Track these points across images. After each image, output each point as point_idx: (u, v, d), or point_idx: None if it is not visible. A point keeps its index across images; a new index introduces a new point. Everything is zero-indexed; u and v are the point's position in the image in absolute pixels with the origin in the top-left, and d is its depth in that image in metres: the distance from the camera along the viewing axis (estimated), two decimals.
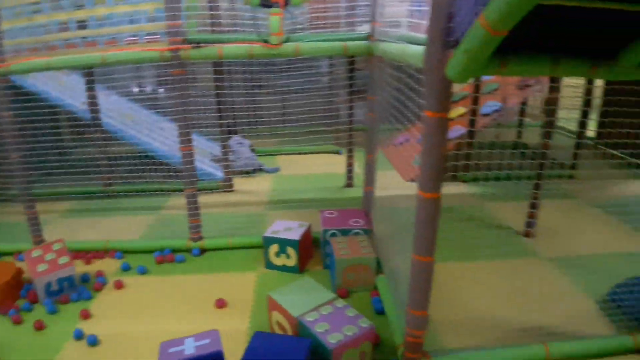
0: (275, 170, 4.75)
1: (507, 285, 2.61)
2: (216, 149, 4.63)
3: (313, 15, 3.69)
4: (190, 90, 2.87)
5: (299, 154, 5.19)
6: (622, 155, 4.43)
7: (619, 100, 3.45)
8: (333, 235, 2.76)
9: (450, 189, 4.07)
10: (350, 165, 4.15)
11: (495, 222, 3.46)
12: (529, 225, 3.17)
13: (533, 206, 3.12)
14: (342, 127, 4.18)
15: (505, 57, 1.28)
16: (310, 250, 2.91)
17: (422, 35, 1.65)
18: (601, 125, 5.11)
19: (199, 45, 2.71)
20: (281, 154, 5.28)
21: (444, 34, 1.36)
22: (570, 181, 4.29)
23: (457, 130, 4.00)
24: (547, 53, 1.30)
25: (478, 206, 3.75)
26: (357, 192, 3.89)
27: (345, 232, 2.77)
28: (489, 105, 4.08)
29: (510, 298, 2.49)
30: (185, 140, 2.87)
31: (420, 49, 1.55)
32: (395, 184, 3.48)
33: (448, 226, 3.31)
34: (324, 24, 3.60)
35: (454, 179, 4.16)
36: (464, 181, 4.18)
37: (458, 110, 4.23)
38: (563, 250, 3.01)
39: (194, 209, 3.02)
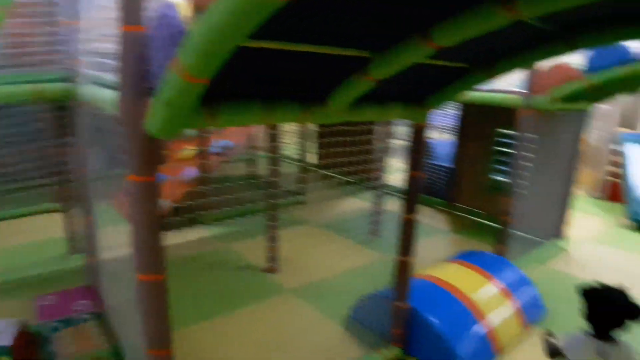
0: None
1: (265, 331, 2.48)
2: None
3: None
4: None
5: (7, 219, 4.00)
6: (339, 175, 5.00)
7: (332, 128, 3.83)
8: (55, 330, 2.11)
9: (190, 235, 3.82)
10: (71, 228, 3.34)
11: (241, 263, 3.34)
12: (272, 260, 3.15)
13: (272, 239, 3.12)
14: (60, 182, 3.37)
15: (215, 107, 1.09)
16: (31, 352, 2.15)
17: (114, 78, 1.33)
18: (321, 151, 5.71)
19: None
20: None
21: (138, 79, 1.08)
22: (300, 207, 4.58)
23: (189, 173, 3.77)
24: (260, 99, 1.17)
25: (222, 249, 3.58)
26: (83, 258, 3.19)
27: (69, 323, 2.16)
28: (217, 143, 3.99)
29: (270, 345, 2.36)
30: None
31: (113, 94, 1.23)
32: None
33: (196, 279, 3.03)
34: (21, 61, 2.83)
35: (193, 223, 3.90)
36: (203, 223, 3.97)
37: (186, 152, 4.00)
38: (305, 279, 3.09)
39: None
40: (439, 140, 6.26)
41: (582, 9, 0.90)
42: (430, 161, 5.27)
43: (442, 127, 7.83)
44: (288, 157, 5.64)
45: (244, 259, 3.39)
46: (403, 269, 2.15)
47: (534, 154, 3.37)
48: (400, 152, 4.64)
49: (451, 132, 5.55)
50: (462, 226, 4.51)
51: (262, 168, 5.02)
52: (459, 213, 4.83)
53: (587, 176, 6.48)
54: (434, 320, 2.20)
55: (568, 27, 1.30)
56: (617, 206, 5.69)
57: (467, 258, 2.92)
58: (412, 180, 2.00)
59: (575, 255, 3.94)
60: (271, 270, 3.15)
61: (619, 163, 5.75)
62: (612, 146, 5.96)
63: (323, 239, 3.83)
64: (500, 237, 3.27)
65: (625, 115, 6.37)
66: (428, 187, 5.16)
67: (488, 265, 2.82)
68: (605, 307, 1.49)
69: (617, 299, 1.49)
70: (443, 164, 5.10)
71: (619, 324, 1.47)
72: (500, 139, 4.43)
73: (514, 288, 2.65)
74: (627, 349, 1.49)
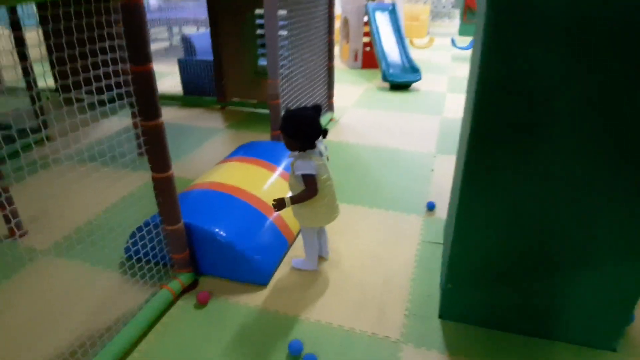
0: None
1: (29, 307, 1.89)
2: None
3: None
4: None
5: None
6: (87, 95, 4.12)
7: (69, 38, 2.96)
8: None
9: None
10: None
11: None
12: (13, 222, 2.39)
13: (5, 197, 2.34)
14: None
15: None
16: None
17: None
18: (62, 73, 4.59)
19: None
20: None
21: None
22: (43, 145, 3.64)
23: None
24: None
25: None
26: None
27: None
28: None
29: (40, 319, 1.83)
30: None
31: None
32: None
33: None
34: None
35: None
36: None
37: None
38: (64, 231, 2.43)
39: None
40: (196, 34, 5.67)
41: None
42: (191, 58, 4.76)
43: (197, 19, 7.07)
44: (19, 89, 4.39)
45: None
46: (164, 188, 1.78)
47: (289, 32, 3.18)
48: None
49: (206, 23, 5.06)
50: (236, 120, 4.29)
51: None
52: (231, 107, 4.57)
53: (344, 49, 6.81)
54: (217, 231, 1.95)
55: None
56: (373, 72, 6.17)
57: (244, 152, 2.70)
58: (140, 76, 1.56)
59: (343, 122, 4.20)
60: (15, 234, 2.43)
61: (369, 33, 6.10)
62: (362, 18, 6.26)
63: (80, 177, 3.12)
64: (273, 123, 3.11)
65: None
66: (194, 86, 4.72)
67: (266, 154, 2.66)
68: (301, 123, 1.79)
69: (306, 114, 1.82)
70: (204, 59, 4.65)
71: (318, 128, 1.81)
72: (257, 21, 4.13)
73: None
74: (322, 144, 1.89)
